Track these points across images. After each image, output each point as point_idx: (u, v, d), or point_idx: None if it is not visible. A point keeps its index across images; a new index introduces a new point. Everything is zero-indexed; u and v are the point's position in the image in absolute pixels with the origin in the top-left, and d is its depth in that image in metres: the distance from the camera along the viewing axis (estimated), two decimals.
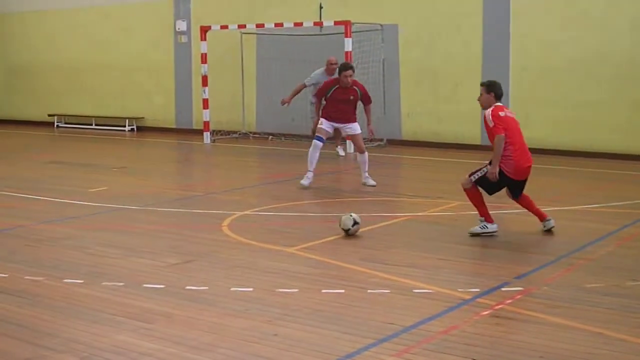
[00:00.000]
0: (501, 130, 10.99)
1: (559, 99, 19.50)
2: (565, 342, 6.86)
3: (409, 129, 21.72)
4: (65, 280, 8.90)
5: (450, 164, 18.30)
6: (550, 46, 19.53)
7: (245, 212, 12.68)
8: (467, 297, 8.15)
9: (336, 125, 15.21)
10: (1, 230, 11.74)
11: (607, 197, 13.77)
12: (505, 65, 20.14)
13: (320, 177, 15.97)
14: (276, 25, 21.72)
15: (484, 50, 20.42)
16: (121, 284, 8.75)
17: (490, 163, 11.08)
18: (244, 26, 22.42)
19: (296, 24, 21.33)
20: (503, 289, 8.44)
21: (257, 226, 11.94)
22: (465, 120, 20.71)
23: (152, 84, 26.56)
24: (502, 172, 11.01)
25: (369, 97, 15.50)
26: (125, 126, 26.58)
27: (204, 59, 22.83)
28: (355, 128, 15.19)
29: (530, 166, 11.20)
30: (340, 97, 15.03)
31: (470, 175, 11.21)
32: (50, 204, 13.75)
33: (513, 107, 19.90)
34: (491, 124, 11.12)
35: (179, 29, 25.70)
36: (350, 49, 20.28)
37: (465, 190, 11.24)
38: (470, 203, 11.28)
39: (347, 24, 20.33)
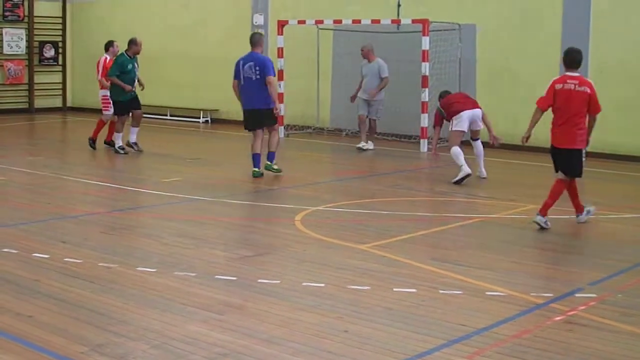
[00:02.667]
0: (541, 102, 11.66)
1: (638, 103, 19.19)
2: (638, 351, 6.76)
3: (484, 130, 21.51)
4: (138, 268, 8.99)
5: (525, 166, 18.13)
6: (631, 48, 19.24)
7: (318, 208, 12.69)
8: (540, 301, 8.07)
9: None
10: (76, 216, 11.89)
11: None
12: (584, 67, 19.86)
13: (396, 175, 15.93)
14: (354, 21, 21.68)
15: (562, 52, 20.15)
16: (193, 274, 8.81)
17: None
18: (322, 21, 22.41)
19: (374, 21, 21.27)
20: (576, 294, 8.35)
21: (330, 222, 11.94)
22: (541, 123, 20.39)
23: (228, 76, 26.58)
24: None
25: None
26: (199, 118, 26.73)
27: (280, 53, 22.88)
28: None
29: (558, 147, 11.58)
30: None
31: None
32: (125, 192, 13.90)
33: None
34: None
35: (256, 22, 25.78)
36: (427, 48, 20.18)
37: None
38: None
39: (424, 22, 20.22)
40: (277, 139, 16.02)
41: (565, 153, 11.37)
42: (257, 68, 15.49)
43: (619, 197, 14.47)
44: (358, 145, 19.88)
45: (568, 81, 11.27)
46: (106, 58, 19.18)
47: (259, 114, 15.64)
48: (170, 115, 27.41)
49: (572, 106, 11.21)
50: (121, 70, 18.15)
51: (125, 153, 18.18)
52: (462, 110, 15.32)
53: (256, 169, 15.44)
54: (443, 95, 16.20)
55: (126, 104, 18.32)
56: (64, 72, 30.66)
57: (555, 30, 20.12)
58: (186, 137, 23.05)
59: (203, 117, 26.83)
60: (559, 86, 11.25)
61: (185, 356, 6.47)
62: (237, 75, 15.88)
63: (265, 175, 15.27)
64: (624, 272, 9.33)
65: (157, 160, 17.35)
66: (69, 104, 30.77)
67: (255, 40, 16.01)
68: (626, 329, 7.31)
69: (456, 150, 15.07)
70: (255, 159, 15.56)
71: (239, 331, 7.03)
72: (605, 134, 19.33)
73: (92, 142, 18.97)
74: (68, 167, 16.93)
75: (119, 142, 18.40)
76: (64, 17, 30.35)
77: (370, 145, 19.97)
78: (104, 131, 18.98)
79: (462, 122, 15.31)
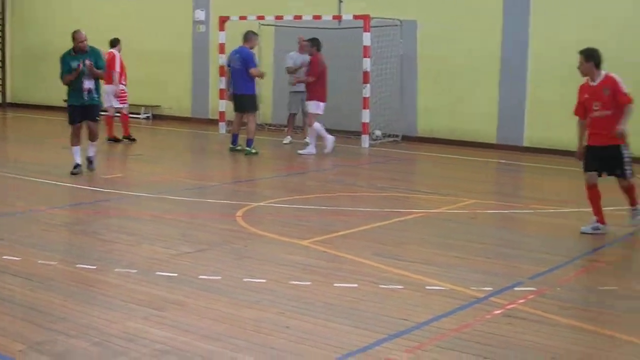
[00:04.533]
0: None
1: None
2: (576, 344, 6.84)
3: (425, 125, 21.67)
4: (78, 266, 8.91)
5: (466, 161, 18.27)
6: (569, 46, 19.42)
7: (260, 204, 12.67)
8: (480, 295, 8.13)
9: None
10: (14, 213, 11.76)
11: (621, 200, 13.69)
12: (524, 63, 20.08)
13: (336, 171, 15.97)
14: (295, 17, 21.70)
15: (502, 48, 20.34)
16: (134, 271, 8.75)
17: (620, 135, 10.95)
18: (263, 17, 22.38)
19: (315, 17, 21.29)
20: (516, 288, 8.42)
21: (271, 218, 11.93)
22: (482, 118, 20.66)
23: (170, 72, 26.54)
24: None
25: None
26: (140, 114, 26.56)
27: (221, 49, 22.81)
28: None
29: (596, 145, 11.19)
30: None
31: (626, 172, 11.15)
32: (65, 189, 13.77)
33: (531, 106, 19.93)
34: (626, 89, 11.06)
35: (197, 18, 25.70)
36: (368, 44, 20.24)
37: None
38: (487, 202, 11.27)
39: (366, 18, 20.28)
40: (253, 127, 18.45)
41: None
42: (241, 60, 18.44)
43: (558, 192, 14.61)
44: (284, 142, 20.37)
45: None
46: (113, 54, 20.04)
47: (241, 98, 18.63)
48: None
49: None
50: (66, 70, 15.10)
51: (76, 174, 14.76)
52: None
53: (232, 146, 18.84)
54: None
55: (79, 111, 15.03)
56: (3, 67, 30.32)
57: (496, 27, 20.28)
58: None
59: (144, 114, 26.67)
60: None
61: (126, 353, 6.42)
62: (228, 64, 19.33)
63: (208, 171, 15.19)
64: (563, 266, 9.43)
65: (97, 157, 17.23)
66: (8, 100, 30.42)
67: (246, 37, 18.85)
68: (564, 322, 7.38)
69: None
70: (233, 137, 18.92)
71: (180, 327, 6.99)
72: (546, 130, 19.57)
73: (114, 140, 19.78)
74: (5, 163, 16.73)
75: (76, 159, 15.01)
76: (2, 12, 30.01)
77: (288, 139, 20.66)
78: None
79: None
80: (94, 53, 15.00)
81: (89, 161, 15.18)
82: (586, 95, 11.10)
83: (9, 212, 11.80)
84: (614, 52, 18.62)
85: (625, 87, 10.98)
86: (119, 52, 20.31)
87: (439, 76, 21.24)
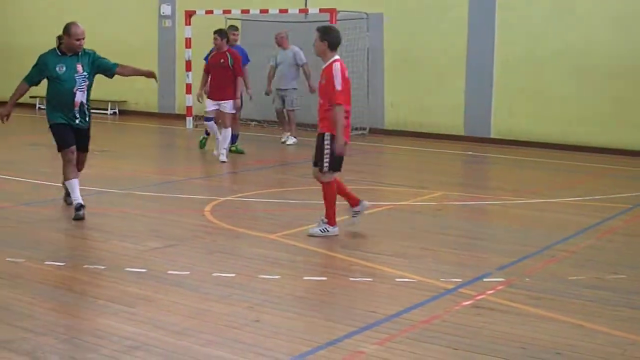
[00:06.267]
0: (347, 94, 9.96)
1: (542, 91, 19.50)
2: (545, 333, 6.87)
3: (392, 118, 21.70)
4: (47, 263, 8.86)
5: (434, 154, 18.34)
6: (535, 38, 19.53)
7: (227, 198, 12.66)
8: (449, 286, 8.16)
9: None
10: None
11: (588, 190, 13.81)
12: (490, 56, 20.15)
13: (304, 165, 15.96)
14: (261, 11, 21.68)
15: (468, 41, 20.41)
16: (102, 267, 8.71)
17: (324, 138, 10.01)
18: (229, 11, 22.33)
19: (281, 11, 21.29)
20: (485, 279, 8.46)
21: (239, 212, 11.92)
22: (449, 111, 20.72)
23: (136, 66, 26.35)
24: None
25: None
26: (107, 110, 26.44)
27: (188, 43, 22.75)
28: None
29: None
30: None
31: (322, 167, 10.08)
32: (31, 185, 13.68)
33: (497, 98, 20.03)
34: (339, 85, 9.84)
35: (163, 12, 25.61)
36: None
37: (325, 184, 10.27)
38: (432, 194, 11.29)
39: (332, 11, 20.29)
40: (236, 124, 17.45)
41: None
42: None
43: (524, 183, 14.69)
44: (282, 140, 19.82)
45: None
46: None
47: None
48: None
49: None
50: (45, 76, 11.31)
51: (81, 218, 10.97)
52: None
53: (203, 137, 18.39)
54: None
55: (65, 134, 11.37)
56: None
57: (462, 20, 20.35)
58: (93, 130, 22.67)
59: (111, 109, 26.55)
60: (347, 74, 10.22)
61: (96, 350, 6.38)
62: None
63: (175, 166, 15.12)
64: (531, 256, 9.48)
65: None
66: None
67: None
68: (533, 311, 7.42)
69: None
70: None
71: (150, 323, 6.97)
72: (511, 121, 19.67)
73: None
74: None
75: (77, 197, 11.18)
76: None
77: (291, 139, 19.70)
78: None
79: None
80: (88, 55, 11.41)
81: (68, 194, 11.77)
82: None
83: None
84: (580, 44, 18.80)
85: (340, 83, 9.86)
86: None
87: (405, 69, 21.27)
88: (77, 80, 11.24)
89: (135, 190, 13.15)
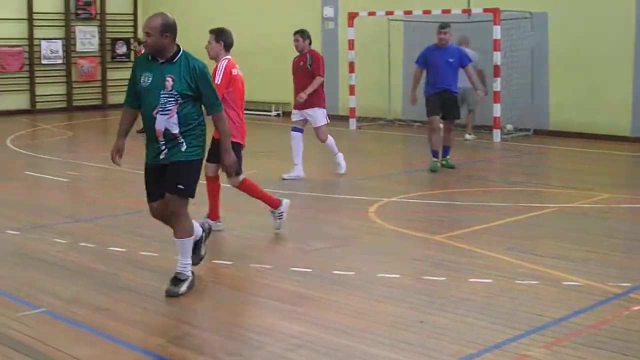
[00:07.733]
0: (223, 90, 9.68)
1: None
2: None
3: (558, 119, 21.34)
4: (214, 261, 9.04)
5: (600, 155, 17.93)
6: None
7: (392, 199, 12.67)
8: (618, 291, 7.97)
9: None
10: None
11: None
12: None
13: (469, 166, 15.87)
14: (424, 12, 21.61)
15: (636, 40, 19.89)
16: (269, 266, 8.85)
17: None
18: (392, 13, 22.36)
19: (444, 11, 21.16)
20: None
21: (404, 213, 11.93)
22: (616, 112, 20.23)
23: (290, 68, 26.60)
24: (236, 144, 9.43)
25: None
26: (271, 111, 26.78)
27: (351, 45, 22.88)
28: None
29: None
30: None
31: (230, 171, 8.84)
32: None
33: None
34: (219, 80, 9.75)
35: (326, 15, 25.80)
36: (498, 37, 20.03)
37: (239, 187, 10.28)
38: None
39: (496, 11, 20.08)
40: (450, 135, 15.54)
41: None
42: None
43: None
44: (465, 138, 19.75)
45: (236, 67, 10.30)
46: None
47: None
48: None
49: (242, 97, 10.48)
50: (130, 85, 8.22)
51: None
52: None
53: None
54: None
55: (150, 175, 8.24)
56: None
57: (630, 19, 19.84)
58: (259, 131, 23.03)
59: (275, 111, 26.89)
60: (235, 72, 10.21)
61: (262, 347, 6.54)
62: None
63: (332, 168, 15.06)
64: None
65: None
66: None
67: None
68: None
69: None
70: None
71: (316, 323, 7.06)
72: None
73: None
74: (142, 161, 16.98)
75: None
76: (135, 14, 30.60)
77: (470, 136, 19.97)
78: None
79: None
80: (190, 68, 7.72)
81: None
82: None
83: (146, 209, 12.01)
84: None
85: (220, 77, 9.84)
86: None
87: (571, 68, 20.88)
88: (161, 98, 7.75)
89: (299, 190, 13.27)
